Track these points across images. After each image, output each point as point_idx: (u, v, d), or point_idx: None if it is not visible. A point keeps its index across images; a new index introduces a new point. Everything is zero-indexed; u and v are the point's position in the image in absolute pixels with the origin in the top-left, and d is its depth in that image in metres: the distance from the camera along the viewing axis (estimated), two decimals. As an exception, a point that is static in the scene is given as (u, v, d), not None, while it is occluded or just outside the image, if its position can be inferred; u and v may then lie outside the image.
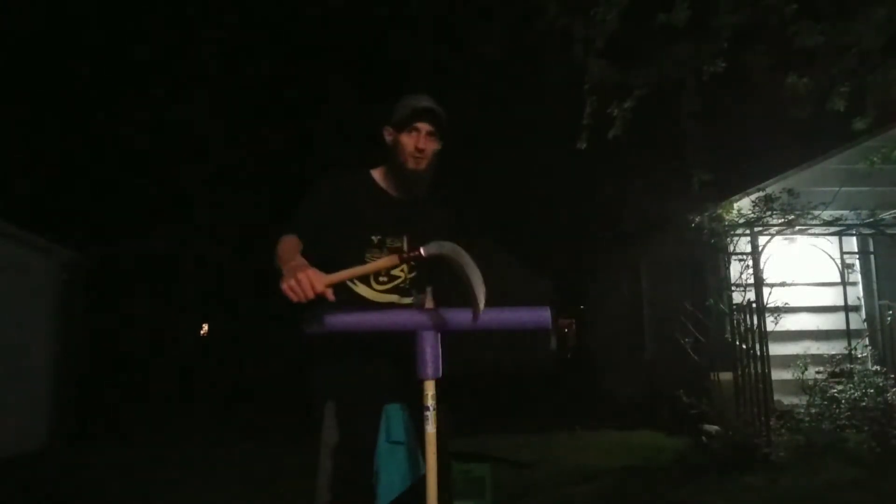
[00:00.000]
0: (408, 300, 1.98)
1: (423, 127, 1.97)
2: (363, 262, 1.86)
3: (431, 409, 1.63)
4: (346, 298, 1.88)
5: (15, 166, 11.30)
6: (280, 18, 14.06)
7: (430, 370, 1.65)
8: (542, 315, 1.76)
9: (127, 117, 12.88)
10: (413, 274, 1.98)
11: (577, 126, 5.49)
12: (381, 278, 1.95)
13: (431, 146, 1.99)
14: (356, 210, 1.98)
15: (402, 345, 1.76)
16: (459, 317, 1.75)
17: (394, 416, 1.86)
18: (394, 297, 1.96)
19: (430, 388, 1.65)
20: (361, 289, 1.93)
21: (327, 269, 1.67)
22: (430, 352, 1.66)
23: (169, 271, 14.33)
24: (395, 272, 1.95)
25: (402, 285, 1.97)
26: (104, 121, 12.61)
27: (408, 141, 1.96)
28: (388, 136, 2.03)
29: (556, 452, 5.87)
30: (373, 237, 1.95)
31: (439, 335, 1.69)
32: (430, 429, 1.62)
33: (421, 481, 1.74)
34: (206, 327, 17.49)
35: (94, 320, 9.92)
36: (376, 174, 2.08)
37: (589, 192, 11.95)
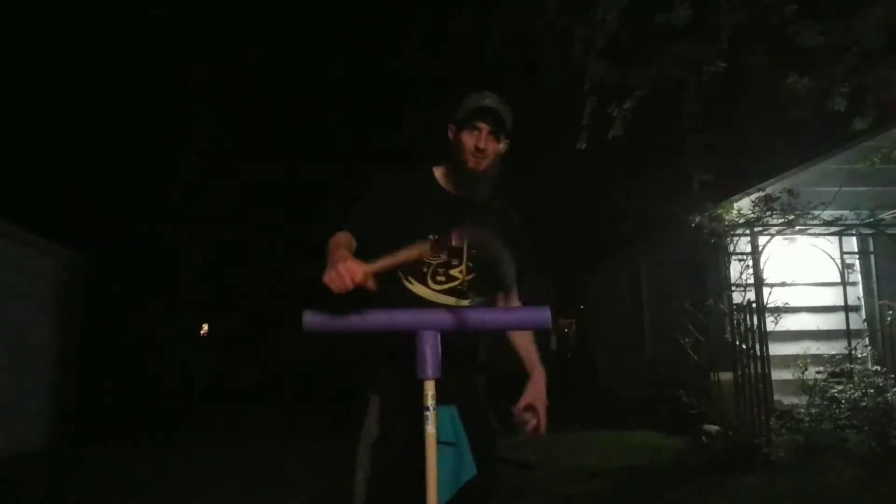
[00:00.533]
0: (465, 302, 1.91)
1: (485, 126, 1.90)
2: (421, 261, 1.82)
3: (431, 409, 1.63)
4: (401, 297, 1.84)
5: (15, 166, 11.30)
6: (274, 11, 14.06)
7: (430, 370, 1.64)
8: (542, 315, 1.73)
9: (128, 116, 12.88)
10: (471, 276, 1.90)
11: (577, 126, 5.48)
12: (438, 278, 1.88)
13: (493, 146, 1.92)
14: (415, 208, 1.92)
15: (452, 345, 1.69)
16: (461, 317, 1.73)
17: (443, 418, 1.78)
18: (451, 300, 1.88)
19: (429, 388, 1.64)
20: (417, 287, 1.87)
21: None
22: (430, 352, 1.65)
23: (169, 271, 14.32)
24: (454, 273, 1.88)
25: (459, 287, 1.90)
26: (105, 120, 12.61)
27: (468, 140, 1.90)
28: (450, 133, 1.97)
29: (556, 452, 5.87)
30: (431, 235, 1.82)
31: (439, 335, 1.67)
32: (430, 429, 1.62)
33: (470, 483, 1.77)
34: (206, 327, 17.49)
35: (94, 320, 9.92)
36: (438, 172, 2.01)
37: (589, 191, 11.94)
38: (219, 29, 13.55)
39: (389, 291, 1.77)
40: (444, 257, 1.87)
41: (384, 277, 1.67)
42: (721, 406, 5.62)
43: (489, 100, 1.91)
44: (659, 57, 5.18)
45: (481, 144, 1.88)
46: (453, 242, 1.62)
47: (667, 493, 4.55)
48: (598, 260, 11.85)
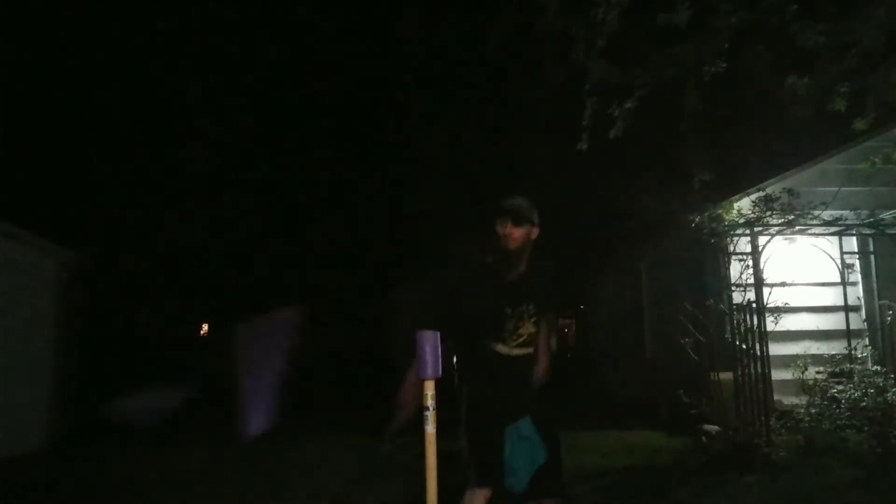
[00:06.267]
0: (529, 350, 2.76)
1: (507, 218, 2.71)
2: (502, 326, 2.69)
3: (431, 408, 1.63)
4: (485, 354, 2.69)
5: (16, 166, 11.30)
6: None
7: (430, 370, 1.65)
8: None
9: (129, 115, 12.87)
10: (534, 329, 2.78)
11: (578, 127, 5.47)
12: (513, 337, 2.71)
13: (516, 232, 2.70)
14: (478, 295, 2.74)
15: (518, 375, 2.71)
16: None
17: (523, 423, 2.69)
18: (521, 351, 2.73)
19: (429, 388, 1.64)
20: (500, 347, 2.69)
21: (473, 332, 2.68)
22: (430, 352, 1.65)
23: (169, 271, 14.31)
24: (522, 331, 2.72)
25: (527, 340, 2.74)
26: (106, 119, 12.60)
27: (500, 228, 2.71)
28: (494, 229, 2.78)
29: (556, 452, 5.85)
30: (507, 309, 2.72)
31: (438, 335, 1.68)
32: (430, 429, 1.62)
33: (544, 465, 2.64)
34: (206, 327, 17.49)
35: (94, 320, 9.91)
36: (490, 261, 2.86)
37: (589, 191, 11.95)
38: (223, 30, 13.54)
39: (478, 350, 2.69)
40: (514, 324, 2.70)
41: (475, 339, 2.70)
42: (721, 406, 5.61)
43: (511, 201, 2.76)
44: (659, 57, 5.18)
45: (507, 231, 2.69)
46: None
47: (667, 493, 4.55)
48: (599, 260, 11.84)
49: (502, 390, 2.72)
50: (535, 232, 2.78)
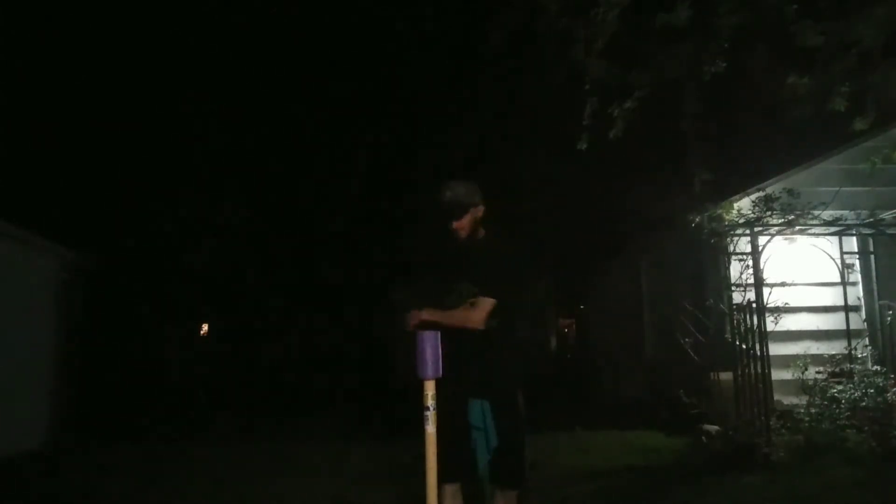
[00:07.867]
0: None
1: (449, 218, 2.95)
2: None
3: (431, 409, 1.63)
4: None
5: (17, 165, 11.29)
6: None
7: (430, 370, 1.65)
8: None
9: (130, 117, 12.87)
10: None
11: (578, 127, 5.48)
12: None
13: (458, 225, 2.94)
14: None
15: (474, 359, 2.67)
16: None
17: (476, 408, 2.72)
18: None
19: (429, 388, 1.64)
20: None
21: None
22: (431, 352, 1.65)
23: (169, 271, 14.31)
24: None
25: None
26: (106, 119, 12.60)
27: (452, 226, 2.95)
28: None
29: (556, 452, 5.87)
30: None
31: (439, 335, 1.68)
32: (430, 429, 1.62)
33: (500, 453, 2.63)
34: (206, 327, 17.48)
35: (94, 320, 9.91)
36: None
37: (589, 191, 11.94)
38: (225, 30, 13.53)
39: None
40: (454, 300, 2.83)
41: None
42: (721, 406, 5.62)
43: (442, 198, 2.96)
44: (659, 57, 5.18)
45: (452, 227, 2.94)
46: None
47: (667, 493, 4.55)
48: (599, 260, 11.84)
49: (456, 362, 2.80)
50: (479, 210, 2.96)
